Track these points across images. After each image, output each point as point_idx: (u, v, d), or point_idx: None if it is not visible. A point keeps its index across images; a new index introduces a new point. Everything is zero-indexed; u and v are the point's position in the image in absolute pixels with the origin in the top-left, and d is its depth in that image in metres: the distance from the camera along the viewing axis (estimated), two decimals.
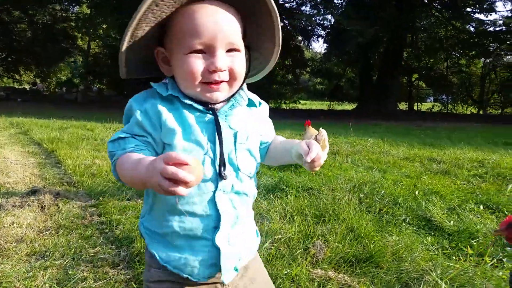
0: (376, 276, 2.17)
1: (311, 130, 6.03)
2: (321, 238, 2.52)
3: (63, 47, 30.67)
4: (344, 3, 22.79)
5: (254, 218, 1.21)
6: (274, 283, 2.03)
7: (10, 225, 2.89)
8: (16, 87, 31.22)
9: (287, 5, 26.36)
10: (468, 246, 2.59)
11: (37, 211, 3.21)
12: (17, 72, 33.29)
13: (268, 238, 2.44)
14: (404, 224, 3.10)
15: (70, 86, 28.46)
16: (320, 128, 4.01)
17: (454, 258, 2.47)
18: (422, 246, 2.58)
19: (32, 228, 2.86)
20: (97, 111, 15.96)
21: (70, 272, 2.22)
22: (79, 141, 6.75)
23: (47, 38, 29.10)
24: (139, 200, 3.45)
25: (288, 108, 29.87)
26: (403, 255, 2.38)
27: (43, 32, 29.50)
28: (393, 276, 2.15)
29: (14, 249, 2.51)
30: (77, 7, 30.60)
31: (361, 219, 2.83)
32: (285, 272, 2.12)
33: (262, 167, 4.94)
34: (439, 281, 2.05)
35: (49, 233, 2.76)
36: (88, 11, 30.35)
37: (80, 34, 31.96)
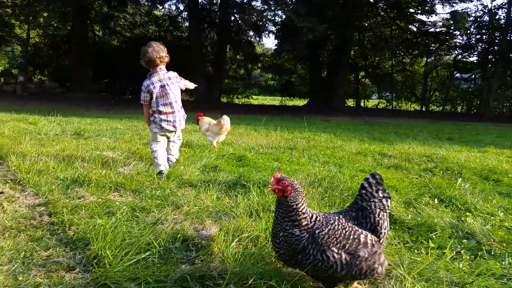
0: None
1: (205, 119, 6.09)
2: None
3: None
4: (294, 0, 23.08)
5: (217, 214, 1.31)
6: (245, 283, 1.96)
7: None
8: None
9: None
10: (430, 240, 2.66)
11: None
12: None
13: (235, 237, 2.36)
14: None
15: (7, 77, 26.28)
16: (224, 115, 5.44)
17: (416, 251, 2.52)
18: None
19: None
20: (38, 104, 14.94)
21: (20, 278, 2.01)
22: (21, 135, 6.23)
23: None
24: (91, 198, 3.21)
25: (240, 103, 29.80)
26: None
27: None
28: None
29: None
30: None
31: None
32: (256, 271, 2.04)
33: (220, 163, 4.83)
34: (407, 276, 2.07)
35: None
36: None
37: (18, 22, 29.70)
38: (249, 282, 1.95)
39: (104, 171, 3.97)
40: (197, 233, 2.51)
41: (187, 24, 28.79)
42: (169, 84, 4.53)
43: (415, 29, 26.68)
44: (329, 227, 1.87)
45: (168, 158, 4.69)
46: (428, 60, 29.23)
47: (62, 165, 4.23)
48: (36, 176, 3.72)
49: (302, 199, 1.91)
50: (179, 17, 29.98)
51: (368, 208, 2.00)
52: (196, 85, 5.15)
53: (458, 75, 28.28)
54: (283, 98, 34.13)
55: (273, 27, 23.98)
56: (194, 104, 21.92)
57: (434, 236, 2.75)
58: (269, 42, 74.29)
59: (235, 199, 3.30)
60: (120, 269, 2.06)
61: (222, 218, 2.84)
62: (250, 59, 28.77)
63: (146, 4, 28.43)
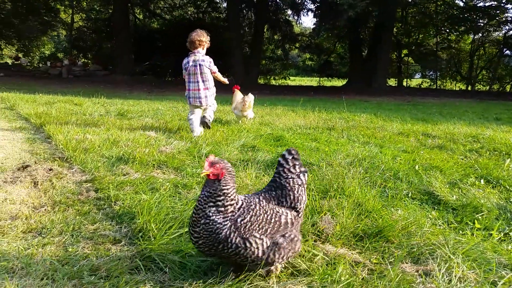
0: (387, 251, 2.14)
1: (238, 95, 6.32)
2: (328, 213, 2.46)
3: (44, 20, 29.56)
4: None
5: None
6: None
7: (2, 201, 2.76)
8: None
9: None
10: (475, 221, 2.57)
11: (30, 187, 3.08)
12: None
13: None
14: (407, 198, 3.08)
15: (54, 61, 27.55)
16: (249, 93, 5.78)
17: (461, 232, 2.44)
18: (428, 221, 2.56)
19: (26, 204, 2.74)
20: (83, 86, 15.56)
21: (70, 249, 2.13)
22: (68, 116, 6.54)
23: (27, 11, 27.94)
24: (136, 175, 3.34)
25: (277, 84, 29.60)
26: (412, 230, 2.34)
27: (24, 4, 28.28)
28: (404, 250, 2.12)
29: (9, 226, 2.40)
30: None
31: (367, 193, 2.78)
32: None
33: (258, 143, 4.85)
34: (451, 256, 2.02)
35: (45, 209, 2.65)
36: None
37: (63, 7, 30.78)
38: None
39: (147, 150, 4.10)
40: None
41: (225, 4, 28.69)
42: (201, 65, 5.25)
43: (462, 3, 25.16)
44: (251, 213, 1.78)
45: (204, 117, 5.42)
46: (476, 37, 27.59)
47: (107, 143, 4.41)
48: (82, 154, 3.90)
49: (234, 183, 1.81)
50: None
51: (287, 185, 1.93)
52: (230, 78, 6.10)
53: (508, 52, 26.51)
54: (321, 78, 33.53)
55: (312, 4, 23.40)
56: (229, 85, 22.01)
57: (480, 217, 2.65)
58: (307, 21, 72.72)
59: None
60: (164, 242, 2.14)
61: None
62: (287, 39, 28.39)
63: None
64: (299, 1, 23.14)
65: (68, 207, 2.71)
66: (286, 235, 1.83)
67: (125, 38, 24.11)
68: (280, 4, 26.30)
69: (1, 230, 2.33)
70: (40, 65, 30.08)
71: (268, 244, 1.76)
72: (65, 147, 4.19)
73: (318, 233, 2.27)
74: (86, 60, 30.33)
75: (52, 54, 35.10)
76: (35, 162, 3.69)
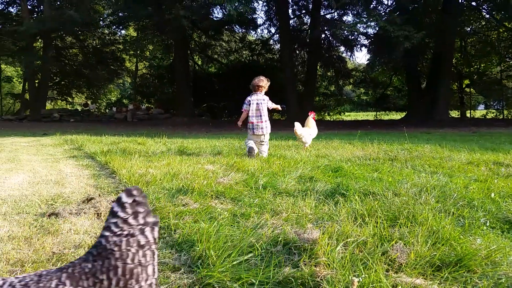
0: (470, 281, 1.89)
1: (310, 120, 7.56)
2: (400, 241, 2.26)
3: (112, 69, 32.18)
4: (387, 10, 22.28)
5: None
6: None
7: (67, 231, 2.85)
8: (69, 108, 32.97)
9: (328, 16, 26.20)
10: None
11: (93, 218, 3.18)
12: (70, 95, 35.22)
13: (339, 241, 2.22)
14: (485, 227, 2.76)
15: (119, 106, 29.74)
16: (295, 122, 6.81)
17: None
18: None
19: (89, 234, 2.81)
20: (146, 128, 16.41)
21: None
22: (131, 153, 6.85)
23: (97, 61, 30.68)
24: (195, 205, 3.33)
25: (332, 120, 29.35)
26: (497, 259, 2.06)
27: (93, 55, 31.12)
28: (491, 281, 1.86)
29: (72, 254, 2.45)
30: (124, 30, 32.11)
31: (441, 221, 2.54)
32: (362, 276, 1.88)
33: (315, 174, 4.71)
34: None
35: None
36: (135, 34, 31.75)
37: (128, 56, 33.40)
38: None
39: (206, 181, 4.12)
40: (298, 236, 2.42)
41: (278, 46, 29.53)
42: (261, 103, 6.52)
43: None
44: None
45: (260, 154, 6.46)
46: None
47: (167, 177, 4.50)
48: (144, 186, 4.00)
49: None
50: (271, 40, 30.91)
51: (115, 250, 1.17)
52: (283, 107, 7.19)
53: None
54: (378, 112, 32.78)
55: (366, 40, 23.37)
56: (284, 123, 22.17)
57: None
58: (361, 56, 72.57)
59: (335, 207, 3.16)
60: (224, 269, 2.06)
61: (324, 223, 2.72)
62: (341, 75, 28.33)
63: (240, 31, 29.90)
64: (352, 37, 23.23)
65: None
66: None
67: (185, 83, 25.48)
68: (332, 42, 26.57)
69: (65, 257, 2.38)
70: (107, 110, 32.43)
71: None
72: (128, 180, 4.33)
73: (390, 262, 2.07)
74: (149, 105, 32.27)
75: (118, 100, 37.83)
76: (99, 195, 3.83)
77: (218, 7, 21.73)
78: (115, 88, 40.58)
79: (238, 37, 31.41)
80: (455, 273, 1.95)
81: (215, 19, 24.68)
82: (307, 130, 7.43)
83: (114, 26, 29.45)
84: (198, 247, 2.35)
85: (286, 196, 3.71)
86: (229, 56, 33.18)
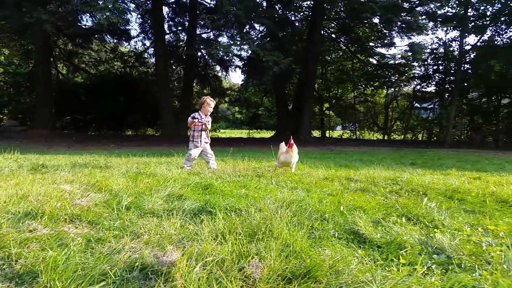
0: None
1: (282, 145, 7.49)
2: (256, 256, 2.34)
3: None
4: (259, 36, 23.73)
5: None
6: None
7: None
8: None
9: (204, 35, 26.69)
10: (400, 256, 2.60)
11: None
12: None
13: (198, 261, 2.20)
14: (334, 238, 3.06)
15: None
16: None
17: (387, 269, 2.45)
18: (356, 259, 2.54)
19: None
20: None
21: None
22: None
23: None
24: (45, 231, 2.96)
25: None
26: (340, 268, 2.29)
27: None
28: None
29: None
30: None
31: (295, 234, 2.72)
32: None
33: (186, 192, 4.66)
34: None
35: None
36: None
37: None
38: None
39: (59, 203, 3.72)
40: (157, 260, 2.33)
41: (153, 60, 28.85)
42: (203, 119, 7.47)
43: (375, 61, 27.91)
44: None
45: (210, 167, 7.47)
46: (389, 91, 30.48)
47: (14, 199, 3.94)
48: None
49: None
50: (146, 53, 30.06)
51: None
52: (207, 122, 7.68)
53: (417, 104, 29.48)
54: (251, 130, 34.35)
55: (240, 62, 24.41)
56: (159, 138, 21.62)
57: (404, 253, 2.69)
58: (236, 76, 75.56)
59: (200, 225, 3.15)
60: None
61: (186, 244, 2.67)
62: (217, 93, 29.00)
63: (112, 41, 28.36)
64: (227, 58, 24.02)
65: None
66: None
67: (46, 93, 22.91)
68: (209, 61, 27.08)
69: None
70: None
71: None
72: None
73: (245, 278, 2.12)
74: (1, 116, 28.18)
75: None
76: None
77: (88, 14, 20.29)
78: None
79: (109, 47, 29.73)
80: (304, 285, 2.09)
81: (84, 26, 22.97)
82: (296, 156, 7.16)
83: None
84: (42, 278, 2.09)
85: (151, 217, 3.57)
86: (98, 66, 31.12)
